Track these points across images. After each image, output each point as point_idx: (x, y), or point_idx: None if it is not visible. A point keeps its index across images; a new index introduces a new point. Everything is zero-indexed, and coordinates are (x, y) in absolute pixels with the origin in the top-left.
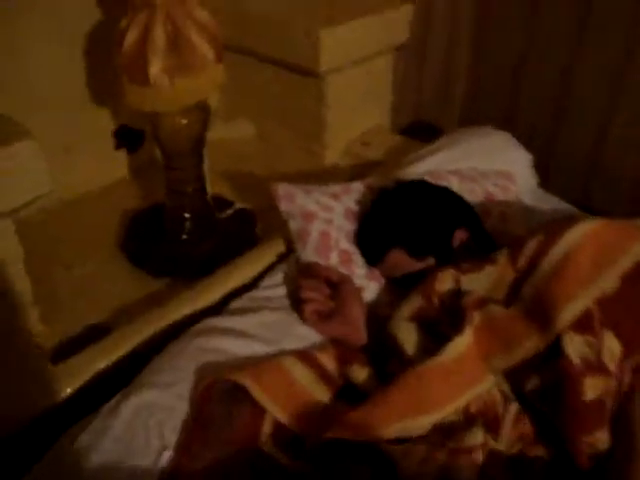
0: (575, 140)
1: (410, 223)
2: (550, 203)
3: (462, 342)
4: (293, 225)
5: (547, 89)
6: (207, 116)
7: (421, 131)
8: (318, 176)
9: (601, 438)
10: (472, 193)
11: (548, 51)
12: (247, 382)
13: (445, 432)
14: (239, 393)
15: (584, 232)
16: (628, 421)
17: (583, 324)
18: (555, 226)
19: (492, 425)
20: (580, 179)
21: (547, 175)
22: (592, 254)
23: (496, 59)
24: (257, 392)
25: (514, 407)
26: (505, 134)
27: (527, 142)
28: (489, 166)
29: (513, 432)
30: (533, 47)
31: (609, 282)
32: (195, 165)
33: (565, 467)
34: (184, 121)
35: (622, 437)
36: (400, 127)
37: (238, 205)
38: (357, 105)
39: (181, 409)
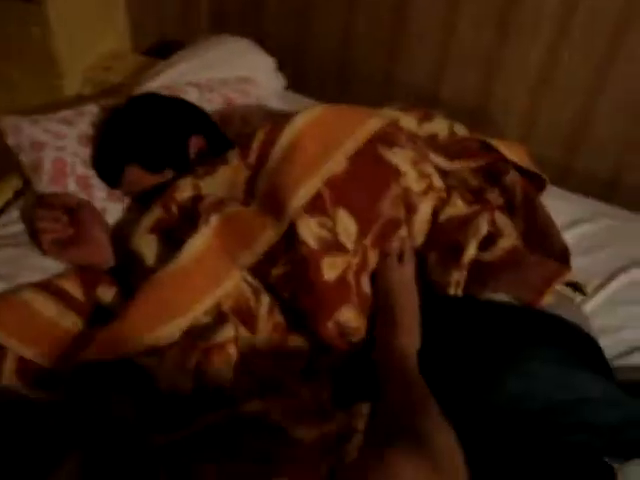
0: (322, 41)
1: (140, 137)
2: (299, 104)
3: (197, 243)
4: (24, 158)
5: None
6: None
7: (168, 50)
8: (60, 110)
9: (348, 315)
10: (211, 102)
11: None
12: None
13: (197, 334)
14: None
15: (309, 118)
16: (385, 291)
17: (315, 207)
18: (280, 117)
19: (247, 319)
20: (333, 80)
21: (302, 80)
22: (318, 139)
23: None
24: None
25: (266, 299)
26: (245, 40)
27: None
28: (230, 73)
29: (268, 323)
30: None
31: (336, 163)
32: None
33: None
34: None
35: (382, 310)
36: (144, 48)
37: None
38: (89, 29)
39: None
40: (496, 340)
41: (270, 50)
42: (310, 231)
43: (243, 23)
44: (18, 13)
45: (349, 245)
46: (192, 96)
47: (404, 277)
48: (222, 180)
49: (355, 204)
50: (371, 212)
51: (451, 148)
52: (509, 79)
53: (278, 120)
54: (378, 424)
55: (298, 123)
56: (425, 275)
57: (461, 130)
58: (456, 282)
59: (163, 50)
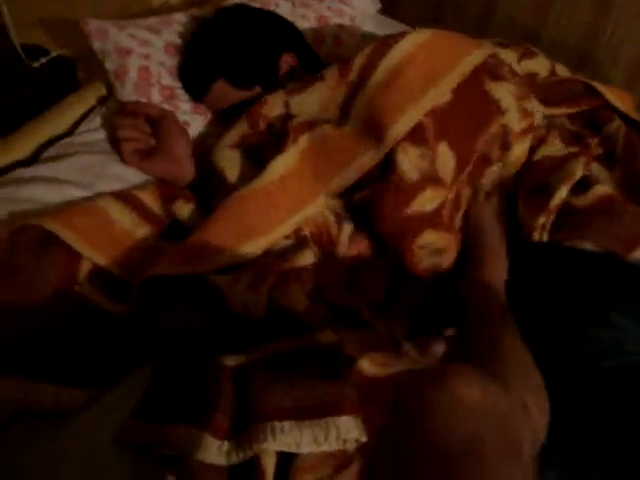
0: None
1: (230, 51)
2: (392, 29)
3: (282, 163)
4: (109, 64)
5: None
6: None
7: None
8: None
9: (434, 237)
10: (304, 18)
11: None
12: (56, 226)
13: (275, 257)
14: (50, 240)
15: (414, 43)
16: (474, 228)
17: (417, 137)
18: (385, 39)
19: (327, 246)
20: (428, 8)
21: (396, 4)
22: (422, 66)
23: None
24: (69, 236)
25: (348, 227)
26: None
27: None
28: None
29: (349, 252)
30: None
31: (440, 94)
32: None
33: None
34: None
35: (471, 246)
36: None
37: (57, 52)
38: None
39: None
40: (578, 289)
41: None
42: (410, 161)
43: None
44: None
45: (448, 179)
46: (284, 10)
47: (489, 214)
48: (316, 97)
49: (456, 139)
50: (469, 148)
51: (551, 89)
52: (621, 21)
53: (383, 40)
54: (456, 355)
55: (403, 46)
56: (515, 215)
57: (563, 71)
58: (542, 226)
59: None
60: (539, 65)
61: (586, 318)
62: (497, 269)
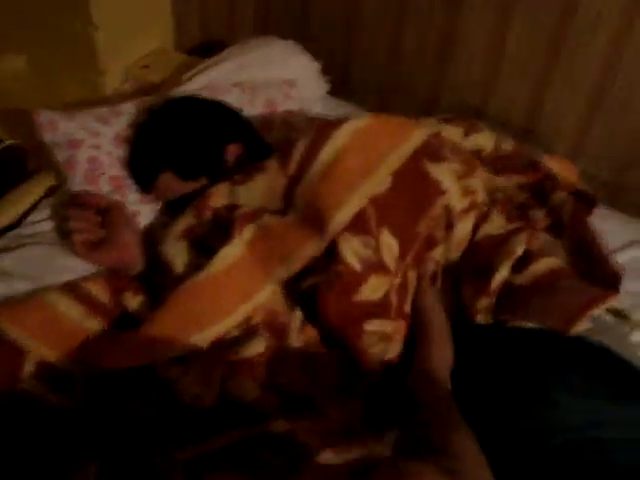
0: (369, 53)
1: (176, 143)
2: (342, 109)
3: (228, 253)
4: (59, 154)
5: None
6: None
7: (211, 50)
8: (98, 106)
9: (383, 324)
10: (253, 103)
11: None
12: (5, 324)
13: (225, 346)
14: None
15: (352, 130)
16: (420, 312)
17: (358, 225)
18: (323, 126)
19: (278, 333)
20: (377, 88)
21: (346, 85)
22: (360, 154)
23: None
24: (18, 333)
25: (298, 313)
26: (289, 42)
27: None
28: (273, 75)
29: (299, 338)
30: None
31: (380, 181)
32: None
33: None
34: None
35: (419, 329)
36: (186, 48)
37: (7, 142)
38: (133, 26)
39: None
40: (521, 369)
41: (314, 53)
42: (353, 251)
43: (288, 26)
44: (63, 5)
45: (392, 266)
46: (233, 96)
47: (435, 300)
48: (259, 188)
49: (398, 223)
50: (412, 232)
51: (497, 162)
52: (560, 96)
53: (321, 128)
54: (407, 443)
55: (341, 134)
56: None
57: (508, 145)
58: (485, 308)
59: (206, 50)
60: (485, 139)
61: (530, 397)
62: (442, 355)
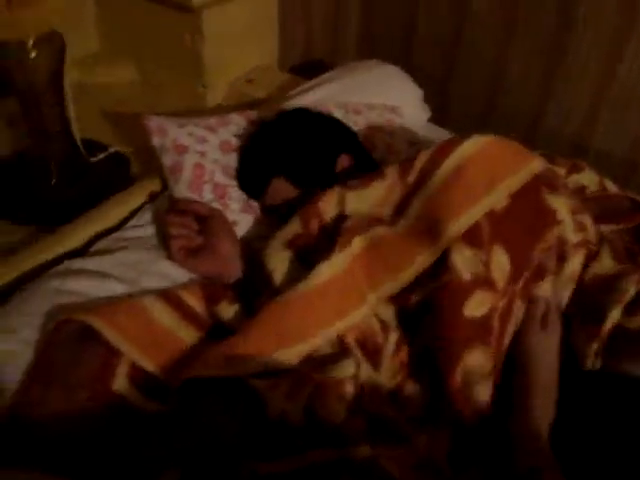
0: (471, 78)
1: (291, 150)
2: (443, 137)
3: (329, 268)
4: (166, 160)
5: (442, 27)
6: (60, 49)
7: (312, 69)
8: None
9: (480, 359)
10: (356, 125)
11: None
12: (98, 322)
13: (316, 364)
14: (91, 335)
15: (476, 146)
16: (527, 357)
17: (472, 237)
18: (448, 140)
19: (371, 356)
20: (477, 118)
21: (444, 114)
22: (484, 168)
23: None
24: (110, 333)
25: (394, 336)
26: (394, 68)
27: (422, 81)
28: (377, 100)
29: (392, 363)
30: None
31: (498, 198)
32: (54, 104)
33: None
34: (33, 53)
35: (522, 375)
36: (288, 66)
37: (114, 148)
38: (240, 42)
39: (24, 355)
40: (632, 425)
41: (416, 78)
42: (464, 261)
43: (391, 48)
44: (173, 20)
45: (500, 284)
46: (337, 116)
47: (544, 347)
48: (374, 195)
49: (512, 241)
50: (525, 256)
51: (600, 204)
52: None
53: (444, 142)
54: None
55: (464, 149)
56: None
57: (611, 186)
58: (594, 353)
59: (307, 70)
60: (588, 179)
61: None
62: (546, 412)
